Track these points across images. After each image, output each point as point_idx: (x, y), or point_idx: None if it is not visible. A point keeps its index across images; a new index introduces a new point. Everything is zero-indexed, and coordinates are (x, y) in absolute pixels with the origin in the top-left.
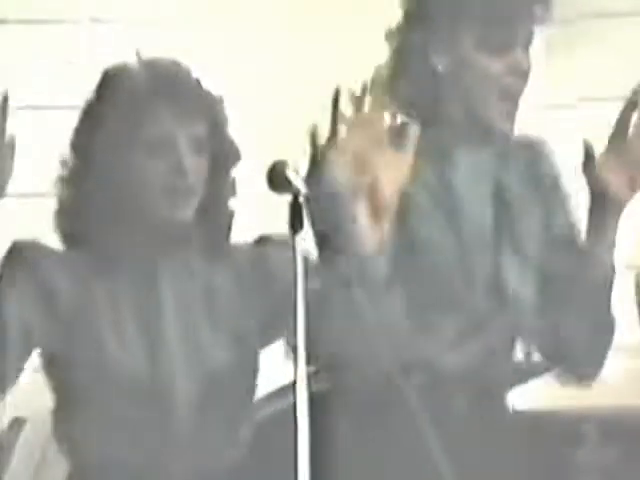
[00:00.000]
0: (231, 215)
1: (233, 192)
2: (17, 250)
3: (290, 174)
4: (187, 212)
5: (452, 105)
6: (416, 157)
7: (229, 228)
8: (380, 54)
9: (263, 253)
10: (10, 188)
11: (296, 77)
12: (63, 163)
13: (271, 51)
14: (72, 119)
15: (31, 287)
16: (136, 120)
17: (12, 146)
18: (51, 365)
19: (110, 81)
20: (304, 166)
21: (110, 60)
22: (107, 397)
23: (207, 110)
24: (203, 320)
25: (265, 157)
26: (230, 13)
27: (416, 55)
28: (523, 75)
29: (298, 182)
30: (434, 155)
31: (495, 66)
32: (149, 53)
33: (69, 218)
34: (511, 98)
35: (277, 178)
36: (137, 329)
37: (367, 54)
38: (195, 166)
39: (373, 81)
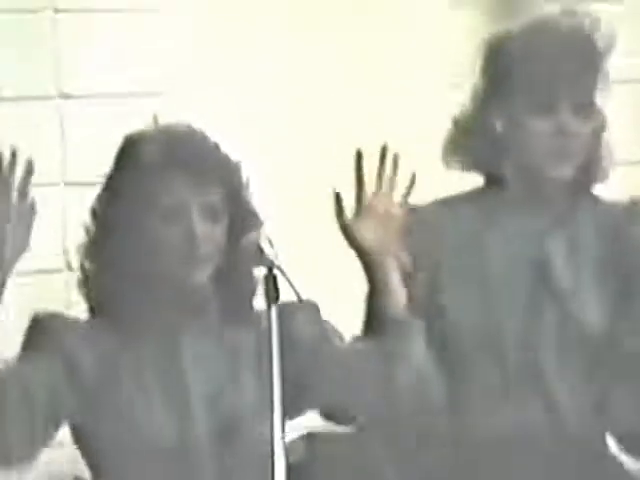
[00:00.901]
0: (255, 281)
1: (256, 258)
2: (40, 322)
3: (263, 245)
4: (201, 278)
5: (509, 166)
6: (468, 220)
7: (253, 293)
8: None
9: (286, 318)
10: None
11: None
12: (85, 231)
13: (286, 113)
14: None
15: (56, 359)
16: (151, 188)
17: (31, 213)
18: (80, 438)
19: (128, 149)
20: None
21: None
22: (137, 465)
23: (223, 176)
24: (228, 385)
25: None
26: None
27: (479, 119)
28: (573, 136)
29: (271, 253)
30: (481, 218)
31: (542, 127)
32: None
33: (92, 287)
34: (561, 159)
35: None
36: (162, 395)
37: (386, 117)
38: (208, 233)
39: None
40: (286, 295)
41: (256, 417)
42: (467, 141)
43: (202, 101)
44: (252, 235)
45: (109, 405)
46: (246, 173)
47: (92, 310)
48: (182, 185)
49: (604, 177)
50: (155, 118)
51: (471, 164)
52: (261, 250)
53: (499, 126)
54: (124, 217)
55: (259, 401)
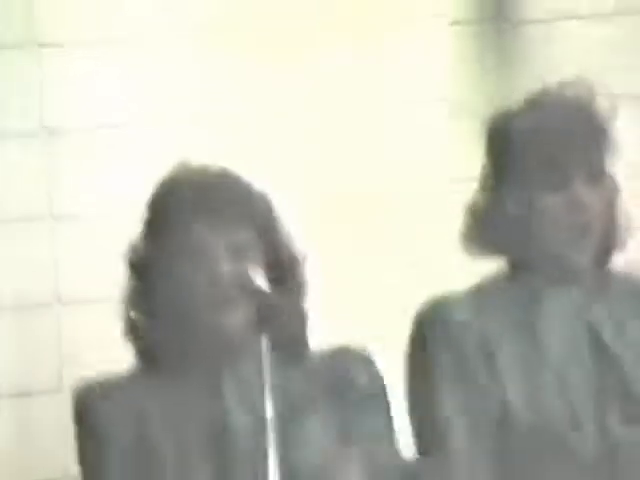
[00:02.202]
0: (304, 319)
1: (302, 295)
2: (83, 398)
3: (255, 275)
4: (234, 319)
5: (526, 248)
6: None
7: (303, 332)
8: None
9: (340, 362)
10: None
11: None
12: (126, 281)
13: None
14: None
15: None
16: (180, 233)
17: None
18: None
19: (158, 195)
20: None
21: None
22: None
23: (253, 216)
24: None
25: None
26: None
27: (493, 203)
28: (586, 210)
29: (263, 283)
30: (522, 302)
31: (554, 202)
32: None
33: (138, 337)
34: (578, 233)
35: None
36: (206, 446)
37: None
38: (236, 274)
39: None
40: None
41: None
42: (484, 227)
43: (188, 134)
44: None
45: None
46: (279, 210)
47: (139, 360)
48: (205, 228)
49: (622, 245)
50: (185, 161)
51: (494, 250)
52: (252, 279)
53: (515, 209)
54: (159, 264)
55: (313, 453)
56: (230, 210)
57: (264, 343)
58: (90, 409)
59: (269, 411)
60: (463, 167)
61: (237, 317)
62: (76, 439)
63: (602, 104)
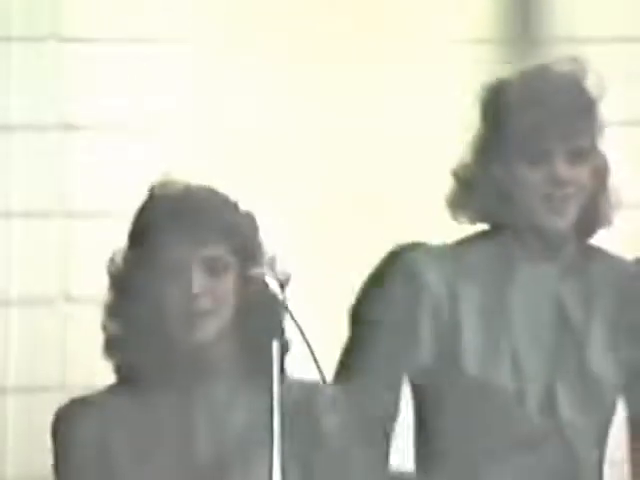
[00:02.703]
0: (274, 334)
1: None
2: (59, 417)
3: (269, 281)
4: (206, 334)
5: (509, 216)
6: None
7: (270, 347)
8: None
9: (311, 398)
10: None
11: None
12: (108, 291)
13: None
14: None
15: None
16: (155, 246)
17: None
18: None
19: (141, 208)
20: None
21: None
22: None
23: (228, 233)
24: (240, 453)
25: None
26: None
27: (479, 168)
28: (565, 185)
29: (275, 287)
30: (494, 264)
31: (534, 176)
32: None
33: (115, 348)
34: (556, 207)
35: None
36: (172, 460)
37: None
38: (210, 288)
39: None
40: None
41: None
42: (470, 194)
43: (202, 134)
44: (259, 272)
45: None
46: (257, 224)
47: (117, 373)
48: (180, 241)
49: (607, 222)
50: (167, 174)
51: (478, 216)
52: (267, 285)
53: (499, 175)
54: (135, 277)
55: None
56: (203, 223)
57: (275, 348)
58: (62, 428)
59: (276, 421)
60: None
61: (208, 332)
62: (52, 456)
63: (593, 82)
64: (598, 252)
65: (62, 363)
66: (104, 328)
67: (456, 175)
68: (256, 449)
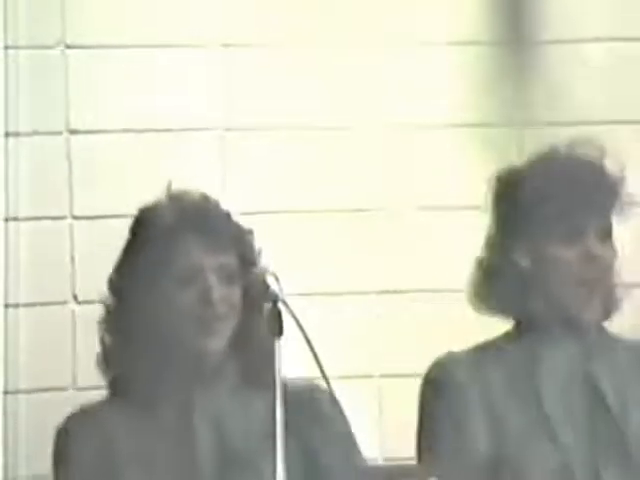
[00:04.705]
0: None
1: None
2: (60, 429)
3: (269, 279)
4: (219, 341)
5: (538, 301)
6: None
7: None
8: None
9: (310, 397)
10: None
11: None
12: (104, 304)
13: None
14: None
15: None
16: (166, 253)
17: None
18: None
19: (142, 218)
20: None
21: None
22: None
23: (236, 242)
24: (241, 455)
25: None
26: None
27: (503, 258)
28: (598, 263)
29: (276, 287)
30: (525, 359)
31: (568, 255)
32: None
33: (111, 362)
34: (589, 286)
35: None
36: (174, 467)
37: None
38: (225, 295)
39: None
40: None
41: None
42: (492, 283)
43: (210, 140)
44: (259, 272)
45: None
46: (257, 241)
47: (111, 385)
48: (197, 248)
49: (619, 306)
50: (169, 184)
51: (500, 306)
52: (266, 285)
53: (525, 262)
54: (141, 286)
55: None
56: (215, 231)
57: (278, 347)
58: (62, 439)
59: (279, 422)
60: (474, 194)
61: (222, 339)
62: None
63: (613, 163)
64: (614, 334)
65: (72, 364)
66: (102, 341)
67: (478, 267)
68: (260, 452)
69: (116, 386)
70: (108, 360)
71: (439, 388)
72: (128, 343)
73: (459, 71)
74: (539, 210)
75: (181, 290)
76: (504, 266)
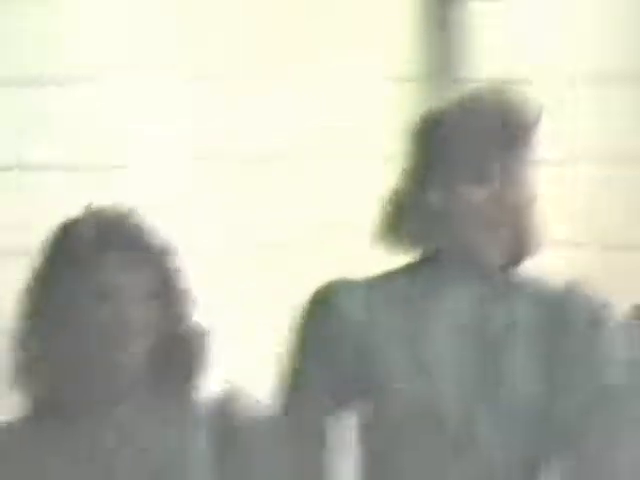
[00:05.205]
0: (195, 364)
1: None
2: None
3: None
4: (134, 358)
5: (444, 239)
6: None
7: (191, 376)
8: None
9: (229, 411)
10: None
11: None
12: (19, 322)
13: None
14: None
15: None
16: (84, 269)
17: None
18: None
19: (60, 235)
20: None
21: None
22: None
23: (155, 259)
24: (159, 464)
25: None
26: None
27: (416, 195)
28: (507, 206)
29: (199, 322)
30: (416, 292)
31: (476, 196)
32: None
33: (30, 378)
34: (495, 228)
35: None
36: None
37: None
38: (141, 312)
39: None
40: None
41: None
42: (406, 219)
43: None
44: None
45: None
46: (178, 257)
47: (30, 404)
48: (114, 265)
49: (535, 251)
50: (89, 205)
51: (409, 242)
52: (190, 317)
53: (437, 199)
54: (58, 303)
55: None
56: (134, 247)
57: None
58: None
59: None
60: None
61: (134, 354)
62: None
63: (527, 109)
64: (523, 278)
65: None
66: (17, 357)
67: (389, 202)
68: (177, 470)
69: (33, 403)
70: (23, 377)
71: (314, 308)
72: (44, 359)
73: None
74: (452, 150)
75: (96, 306)
76: (416, 202)
